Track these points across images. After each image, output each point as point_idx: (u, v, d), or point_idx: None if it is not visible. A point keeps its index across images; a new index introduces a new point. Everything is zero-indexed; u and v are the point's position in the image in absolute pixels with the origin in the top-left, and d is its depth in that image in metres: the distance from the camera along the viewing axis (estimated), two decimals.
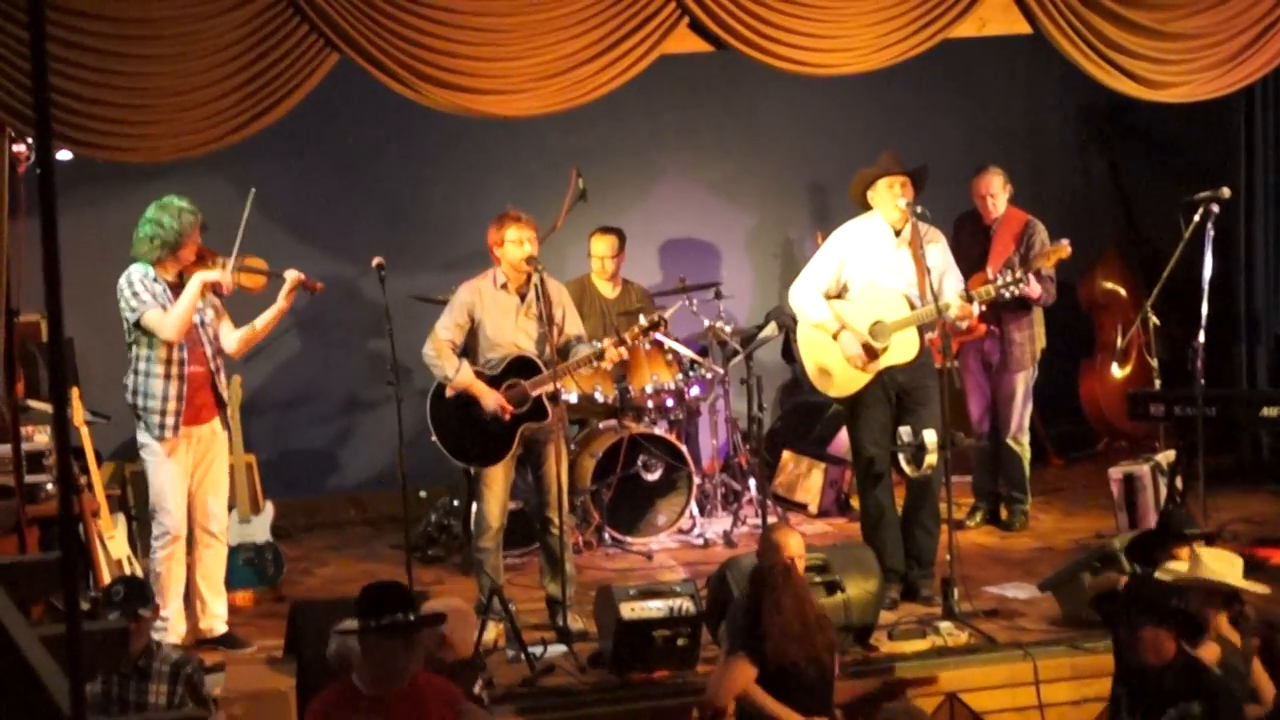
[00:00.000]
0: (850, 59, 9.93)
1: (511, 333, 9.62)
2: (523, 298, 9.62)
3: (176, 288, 9.23)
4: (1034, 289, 10.70)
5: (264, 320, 9.50)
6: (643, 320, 9.96)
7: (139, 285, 9.15)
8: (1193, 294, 10.62)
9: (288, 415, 12.70)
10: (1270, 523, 11.16)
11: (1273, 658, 8.07)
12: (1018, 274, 9.88)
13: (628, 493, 11.47)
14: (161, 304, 9.15)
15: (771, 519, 10.67)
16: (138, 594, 7.74)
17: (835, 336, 9.81)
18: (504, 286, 9.62)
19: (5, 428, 9.17)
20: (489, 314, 9.61)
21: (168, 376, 9.21)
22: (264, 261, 9.55)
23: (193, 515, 9.44)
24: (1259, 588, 7.92)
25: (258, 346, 10.41)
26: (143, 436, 9.30)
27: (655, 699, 8.71)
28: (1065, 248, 10.45)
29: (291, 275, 9.41)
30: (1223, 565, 7.80)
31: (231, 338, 9.50)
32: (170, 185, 9.98)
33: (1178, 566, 7.90)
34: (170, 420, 9.22)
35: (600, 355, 9.62)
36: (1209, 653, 7.51)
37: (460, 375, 9.49)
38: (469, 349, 9.69)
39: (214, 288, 9.27)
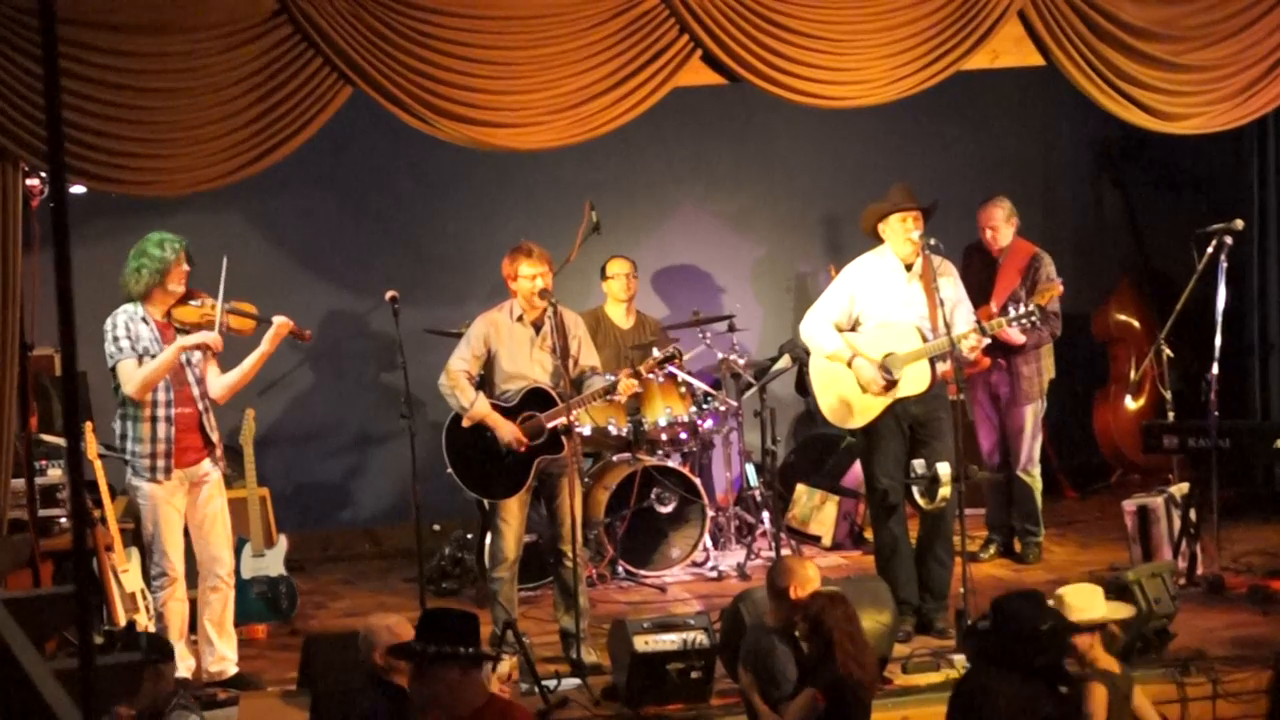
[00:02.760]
0: (863, 91, 9.95)
1: (526, 365, 9.62)
2: (538, 330, 9.63)
3: (165, 328, 9.23)
4: (1016, 336, 10.73)
5: (246, 365, 9.43)
6: (657, 353, 9.97)
7: (121, 329, 9.11)
8: (1206, 326, 10.64)
9: (301, 449, 12.70)
10: None
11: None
12: (1030, 307, 9.88)
13: (641, 525, 11.46)
14: (144, 347, 9.12)
15: (785, 552, 10.66)
16: (156, 648, 7.72)
17: (849, 364, 9.80)
18: (520, 319, 9.63)
19: (19, 462, 9.17)
20: (504, 346, 9.61)
21: (154, 419, 9.16)
22: (253, 306, 9.51)
23: (199, 559, 9.43)
24: (1124, 611, 7.94)
25: (269, 381, 10.46)
26: (134, 480, 9.24)
27: None
28: (1057, 286, 10.50)
29: (279, 321, 9.39)
30: (1084, 600, 7.70)
31: (217, 383, 9.42)
32: (184, 219, 10.03)
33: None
34: (161, 463, 9.16)
35: (613, 388, 9.63)
36: (1098, 696, 7.44)
37: (476, 406, 9.50)
38: (485, 381, 9.69)
39: (200, 348, 9.25)
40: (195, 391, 9.30)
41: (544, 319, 9.60)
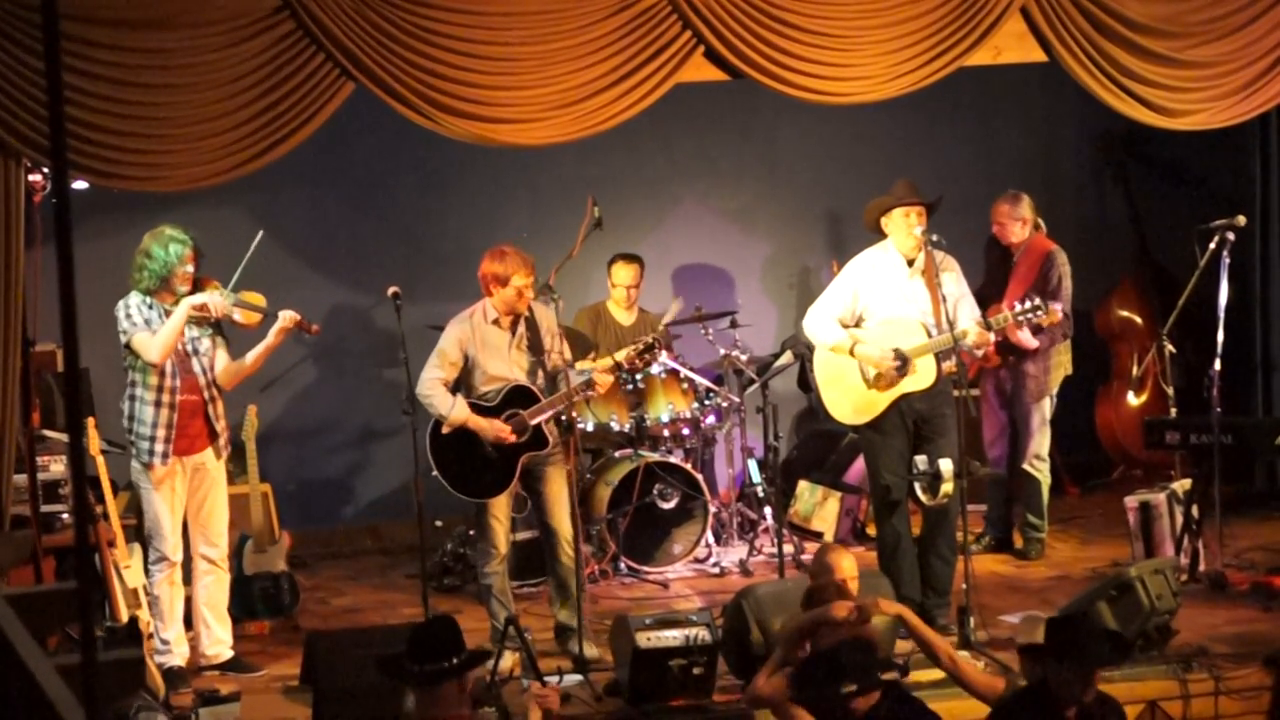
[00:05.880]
0: (866, 87, 9.95)
1: (505, 366, 9.59)
2: (513, 331, 9.62)
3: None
4: (1028, 340, 10.72)
5: (252, 356, 9.48)
6: (637, 343, 10.00)
7: (134, 310, 9.16)
8: (1208, 322, 10.63)
9: (304, 445, 12.69)
10: None
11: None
12: (1036, 302, 9.84)
13: (643, 522, 11.44)
14: (154, 329, 9.16)
15: (788, 548, 10.68)
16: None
17: (851, 352, 9.76)
18: (495, 321, 9.60)
19: (21, 458, 9.17)
20: (482, 350, 9.57)
21: (158, 404, 9.19)
22: (262, 298, 9.50)
23: (193, 544, 9.45)
24: None
25: (271, 377, 10.46)
26: (134, 462, 9.31)
27: None
28: (1056, 314, 10.30)
29: (285, 316, 9.40)
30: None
31: (224, 368, 9.47)
32: (186, 215, 10.02)
33: None
34: (160, 448, 9.20)
35: (590, 385, 9.65)
36: None
37: (455, 412, 9.47)
38: (464, 384, 9.66)
39: (200, 310, 9.24)
40: (202, 381, 9.34)
41: (519, 319, 9.59)
